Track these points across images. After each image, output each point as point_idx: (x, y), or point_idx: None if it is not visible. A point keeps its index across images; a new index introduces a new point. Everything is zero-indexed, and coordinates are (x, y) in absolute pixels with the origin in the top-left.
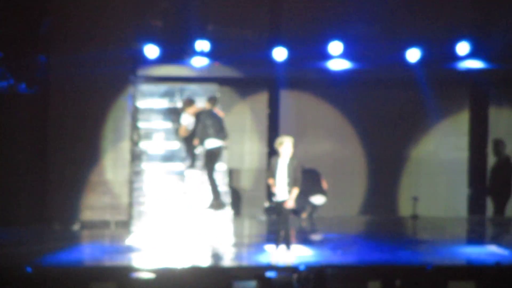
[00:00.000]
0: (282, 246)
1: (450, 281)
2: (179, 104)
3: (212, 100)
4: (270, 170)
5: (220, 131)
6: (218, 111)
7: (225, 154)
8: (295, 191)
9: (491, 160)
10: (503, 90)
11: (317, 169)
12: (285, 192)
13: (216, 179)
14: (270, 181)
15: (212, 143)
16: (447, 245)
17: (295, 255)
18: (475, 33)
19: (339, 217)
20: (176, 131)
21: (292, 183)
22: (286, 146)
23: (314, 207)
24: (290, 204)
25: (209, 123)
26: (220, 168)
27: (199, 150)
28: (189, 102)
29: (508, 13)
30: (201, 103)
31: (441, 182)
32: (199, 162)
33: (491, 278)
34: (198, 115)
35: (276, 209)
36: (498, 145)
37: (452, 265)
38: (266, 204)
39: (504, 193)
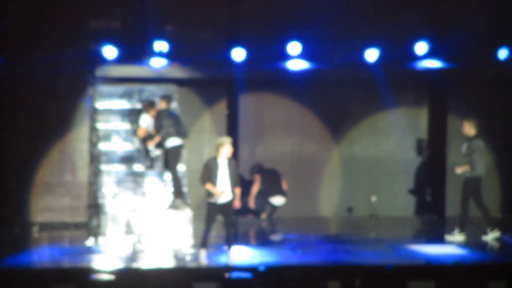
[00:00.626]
0: (233, 246)
1: (409, 281)
2: (138, 105)
3: (167, 98)
4: (207, 174)
5: (180, 129)
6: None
7: (184, 155)
8: (238, 190)
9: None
10: (461, 90)
11: (277, 169)
12: (229, 193)
13: (180, 178)
14: (209, 185)
15: (173, 141)
16: (406, 244)
17: (255, 255)
18: (433, 33)
19: (299, 217)
20: (135, 132)
21: (234, 183)
22: (226, 147)
23: (274, 208)
24: (238, 204)
25: (168, 122)
26: (180, 168)
27: (158, 151)
28: (149, 104)
29: (465, 13)
30: (158, 104)
31: (400, 181)
32: (159, 163)
33: (450, 278)
34: (157, 116)
35: (221, 211)
36: (421, 144)
37: (411, 264)
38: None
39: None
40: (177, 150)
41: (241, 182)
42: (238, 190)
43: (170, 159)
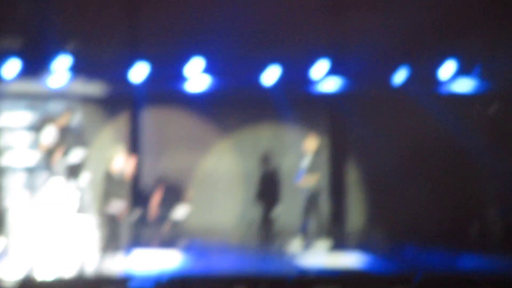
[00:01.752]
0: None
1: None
2: (39, 121)
3: (68, 112)
4: (109, 186)
5: (82, 142)
6: None
7: (89, 166)
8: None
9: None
10: (359, 110)
11: (179, 182)
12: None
13: (80, 188)
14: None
15: (74, 155)
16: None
17: (158, 264)
18: (333, 52)
19: (202, 228)
20: (38, 146)
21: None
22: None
23: (175, 221)
24: None
25: (70, 136)
26: (84, 180)
27: (61, 164)
28: (50, 117)
29: (366, 32)
30: (60, 119)
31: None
32: (62, 175)
33: (353, 286)
34: (60, 130)
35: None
36: (267, 159)
37: (316, 273)
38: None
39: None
40: (79, 163)
41: (143, 195)
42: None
43: (72, 172)
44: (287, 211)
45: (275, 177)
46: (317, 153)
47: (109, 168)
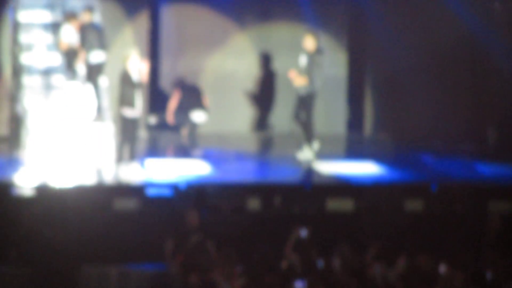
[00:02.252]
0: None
1: (328, 199)
2: (60, 17)
3: (90, 11)
4: (124, 87)
5: (103, 43)
6: None
7: (107, 69)
8: None
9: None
10: (379, 8)
11: (198, 85)
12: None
13: (99, 94)
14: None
15: (96, 56)
16: (325, 162)
17: (175, 172)
18: None
19: (219, 134)
20: (57, 45)
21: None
22: (133, 57)
23: (195, 124)
24: None
25: (92, 36)
26: (102, 83)
27: (80, 64)
28: (70, 16)
29: None
30: (80, 17)
31: (319, 99)
32: (81, 76)
33: (369, 196)
34: (80, 29)
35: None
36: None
37: (330, 183)
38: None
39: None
40: (100, 65)
41: (162, 97)
42: None
43: (92, 74)
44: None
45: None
46: (316, 53)
47: (125, 70)
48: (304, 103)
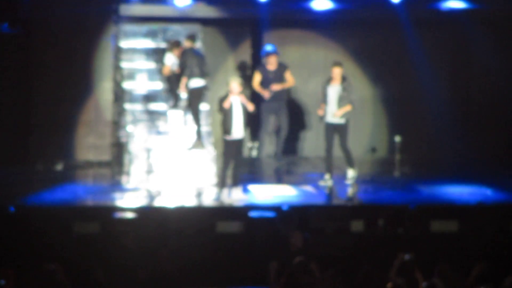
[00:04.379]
0: (235, 186)
1: (433, 220)
2: (162, 44)
3: (192, 38)
4: (224, 110)
5: (203, 70)
6: None
7: (208, 95)
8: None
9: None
10: (484, 30)
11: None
12: (241, 131)
13: (200, 119)
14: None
15: (196, 82)
16: (429, 183)
17: (278, 194)
18: None
19: (320, 157)
20: (159, 71)
21: (246, 122)
22: (233, 84)
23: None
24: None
25: (193, 62)
26: (203, 108)
27: (182, 91)
28: (174, 43)
29: None
30: (184, 44)
31: (426, 121)
32: (182, 102)
33: (473, 217)
34: (182, 55)
35: (235, 148)
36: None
37: (434, 204)
38: (250, 144)
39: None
40: (200, 90)
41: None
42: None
43: (192, 99)
44: None
45: None
46: (346, 82)
47: (228, 96)
48: (346, 131)
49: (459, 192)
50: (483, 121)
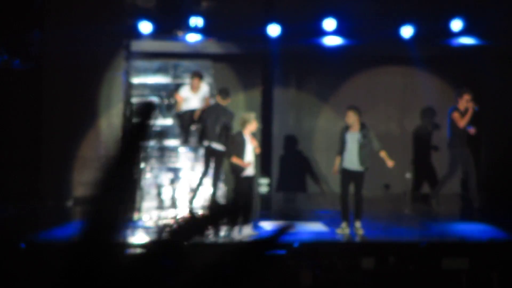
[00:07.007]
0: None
1: (443, 258)
2: (172, 80)
3: (224, 92)
4: (236, 148)
5: (224, 135)
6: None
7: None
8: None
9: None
10: (495, 67)
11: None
12: (253, 168)
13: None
14: (235, 159)
15: (215, 144)
16: (439, 221)
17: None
18: (469, 10)
19: (332, 193)
20: (170, 107)
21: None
22: (253, 123)
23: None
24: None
25: (217, 122)
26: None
27: (194, 127)
28: (196, 75)
29: None
30: (192, 82)
31: (438, 159)
32: (193, 138)
33: (484, 255)
34: (207, 110)
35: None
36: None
37: (445, 241)
38: (262, 180)
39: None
40: (215, 152)
41: (274, 160)
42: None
43: (215, 160)
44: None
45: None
46: (365, 128)
47: (241, 133)
48: (363, 179)
49: (470, 229)
50: (494, 159)
